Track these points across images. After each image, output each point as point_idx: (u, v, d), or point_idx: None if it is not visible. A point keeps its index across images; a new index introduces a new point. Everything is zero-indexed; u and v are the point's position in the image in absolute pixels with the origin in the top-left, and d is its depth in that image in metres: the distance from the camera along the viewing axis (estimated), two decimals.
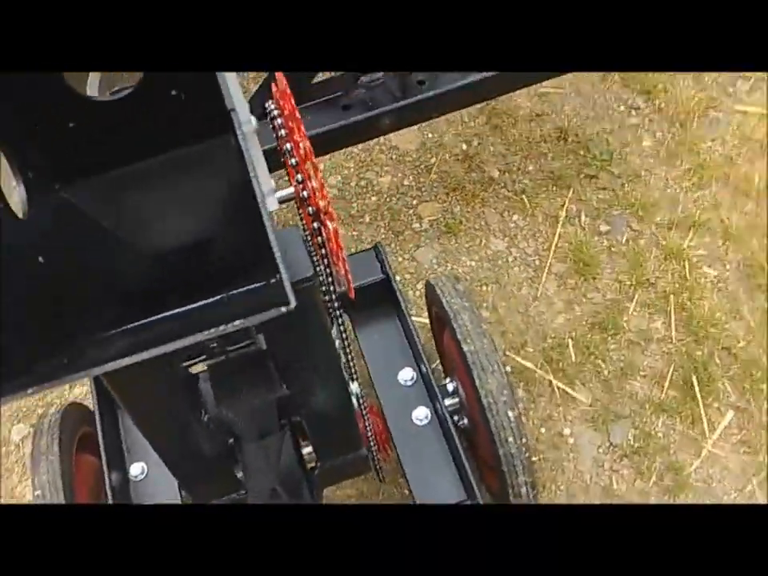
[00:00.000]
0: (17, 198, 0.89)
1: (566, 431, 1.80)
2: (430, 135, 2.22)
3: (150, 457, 1.50)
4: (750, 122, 2.16)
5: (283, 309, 0.72)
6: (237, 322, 0.72)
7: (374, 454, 1.46)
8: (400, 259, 2.03)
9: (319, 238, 1.01)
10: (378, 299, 1.59)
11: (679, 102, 2.21)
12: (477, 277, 2.01)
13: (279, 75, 1.06)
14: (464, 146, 2.20)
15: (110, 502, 1.44)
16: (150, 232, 0.95)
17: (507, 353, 1.89)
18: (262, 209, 0.76)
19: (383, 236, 2.05)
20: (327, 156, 2.14)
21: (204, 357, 1.05)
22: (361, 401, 1.29)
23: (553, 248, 2.02)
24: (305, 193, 0.98)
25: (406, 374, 1.54)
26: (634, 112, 2.22)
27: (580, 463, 1.76)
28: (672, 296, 1.93)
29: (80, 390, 1.91)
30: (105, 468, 1.46)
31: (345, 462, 1.35)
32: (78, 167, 0.91)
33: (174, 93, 0.89)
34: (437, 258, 2.03)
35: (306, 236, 1.03)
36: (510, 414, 1.42)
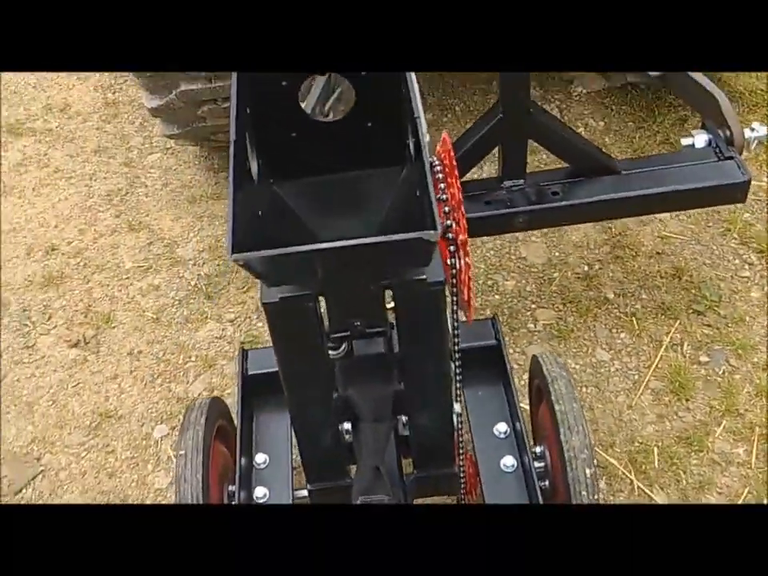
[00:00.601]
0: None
1: None
2: (556, 253, 2.50)
3: (273, 450, 1.77)
4: None
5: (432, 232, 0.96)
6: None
7: (463, 494, 1.68)
8: (511, 351, 2.27)
9: (452, 266, 1.29)
10: (488, 360, 1.83)
11: None
12: (579, 379, 2.22)
13: (446, 137, 1.38)
14: (586, 268, 2.46)
15: (236, 483, 1.70)
16: (331, 227, 1.25)
17: (596, 449, 2.07)
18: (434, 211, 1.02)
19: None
20: None
21: (348, 333, 1.32)
22: (459, 422, 1.53)
23: (653, 367, 2.22)
24: (449, 222, 1.28)
25: (501, 427, 1.76)
26: (747, 266, 2.44)
27: None
28: (757, 427, 2.08)
29: (229, 391, 2.22)
30: (237, 452, 1.73)
31: (437, 476, 1.57)
32: (289, 169, 1.23)
33: (369, 125, 1.21)
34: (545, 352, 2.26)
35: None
36: (588, 471, 1.61)
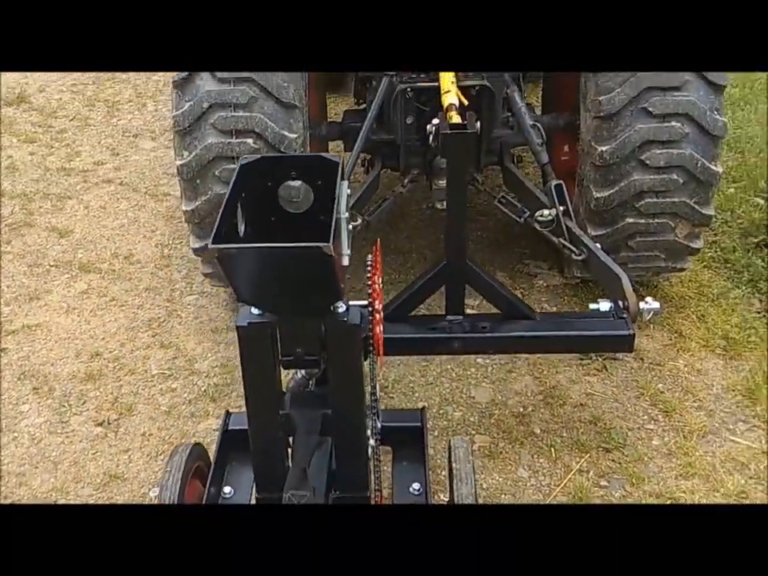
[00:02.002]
0: None
1: None
2: (500, 396, 3.06)
3: (238, 485, 2.27)
4: (738, 448, 2.82)
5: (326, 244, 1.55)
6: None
7: None
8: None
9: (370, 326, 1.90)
10: (413, 438, 2.36)
11: (690, 422, 2.93)
12: (500, 489, 2.70)
13: (377, 243, 2.02)
14: (521, 409, 3.00)
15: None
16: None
17: None
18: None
19: (437, 445, 2.82)
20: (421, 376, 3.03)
21: (292, 358, 1.89)
22: (374, 454, 2.04)
23: (561, 485, 2.70)
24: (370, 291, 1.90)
25: (415, 486, 2.26)
26: (653, 421, 2.95)
27: None
28: None
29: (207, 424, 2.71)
30: (209, 482, 2.24)
31: (353, 499, 2.06)
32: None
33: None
34: (479, 468, 2.75)
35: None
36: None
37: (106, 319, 3.54)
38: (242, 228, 1.78)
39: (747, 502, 2.63)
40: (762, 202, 4.07)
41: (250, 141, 2.89)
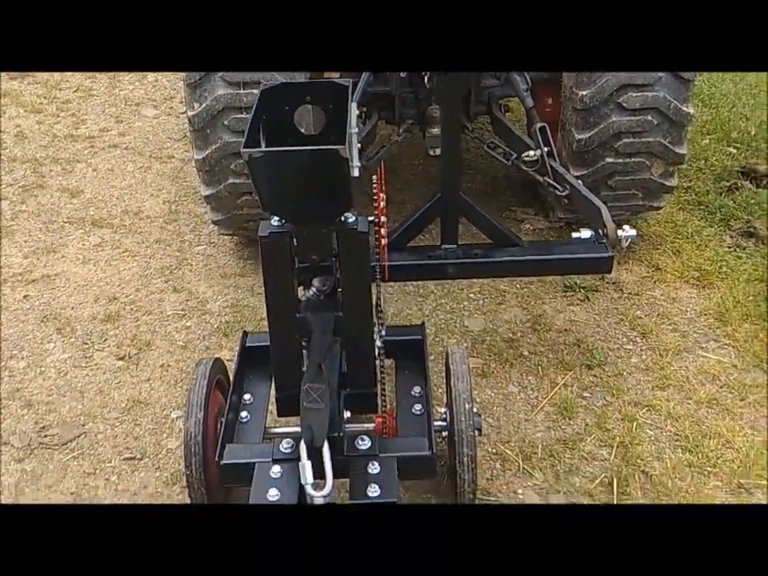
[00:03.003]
0: None
1: (520, 491, 2.62)
2: (491, 325, 3.31)
3: (256, 394, 2.52)
4: (710, 362, 3.09)
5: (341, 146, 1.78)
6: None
7: (384, 428, 2.41)
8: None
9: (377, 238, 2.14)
10: (413, 349, 2.61)
11: (665, 342, 3.19)
12: (493, 402, 2.96)
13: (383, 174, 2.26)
14: (510, 335, 3.26)
15: (228, 411, 2.44)
16: None
17: (497, 444, 2.79)
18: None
19: (434, 368, 3.07)
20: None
21: (308, 265, 2.13)
22: (380, 354, 2.29)
23: (548, 398, 2.96)
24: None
25: (416, 389, 2.52)
26: (631, 343, 3.22)
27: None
28: (618, 438, 2.78)
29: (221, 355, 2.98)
30: (231, 390, 2.49)
31: (361, 394, 2.31)
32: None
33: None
34: (473, 386, 3.00)
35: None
36: (467, 405, 2.34)
37: (121, 268, 3.77)
38: (263, 146, 2.02)
39: (718, 407, 2.90)
40: (733, 150, 4.34)
41: (256, 91, 3.12)
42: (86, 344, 3.33)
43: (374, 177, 2.20)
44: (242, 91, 3.12)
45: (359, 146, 2.05)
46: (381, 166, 2.20)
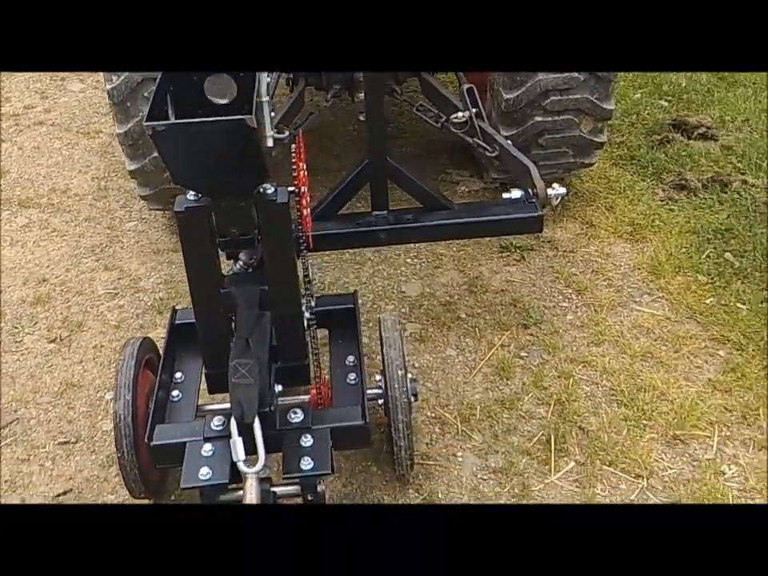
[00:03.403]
0: None
1: (459, 454, 2.63)
2: (428, 289, 3.30)
3: (187, 372, 2.48)
4: (644, 316, 3.12)
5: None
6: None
7: (319, 399, 2.39)
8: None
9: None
10: (346, 318, 2.59)
11: (600, 298, 3.21)
12: (431, 366, 2.95)
13: (301, 133, 2.21)
14: (447, 298, 3.25)
15: (158, 390, 2.39)
16: None
17: (436, 408, 2.79)
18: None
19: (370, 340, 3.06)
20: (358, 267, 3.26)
21: (229, 239, 2.09)
22: (308, 324, 2.27)
23: (486, 359, 2.97)
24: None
25: (350, 359, 2.50)
26: (566, 300, 3.23)
27: (461, 473, 2.57)
28: (555, 395, 2.80)
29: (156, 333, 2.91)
30: (160, 369, 2.44)
31: (292, 367, 2.28)
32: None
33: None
34: (411, 351, 3.00)
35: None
36: (399, 372, 2.33)
37: (50, 249, 3.67)
38: (172, 118, 1.96)
39: (652, 360, 2.93)
40: (665, 104, 4.35)
41: None
42: (16, 328, 3.24)
43: (293, 146, 2.15)
44: None
45: (272, 113, 2.00)
46: (299, 134, 2.15)
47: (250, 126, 1.70)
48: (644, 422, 2.71)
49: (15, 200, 3.99)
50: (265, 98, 1.88)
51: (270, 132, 1.93)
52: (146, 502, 2.49)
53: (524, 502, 2.48)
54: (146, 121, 1.72)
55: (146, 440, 2.21)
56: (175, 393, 2.44)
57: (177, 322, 2.58)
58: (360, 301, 3.21)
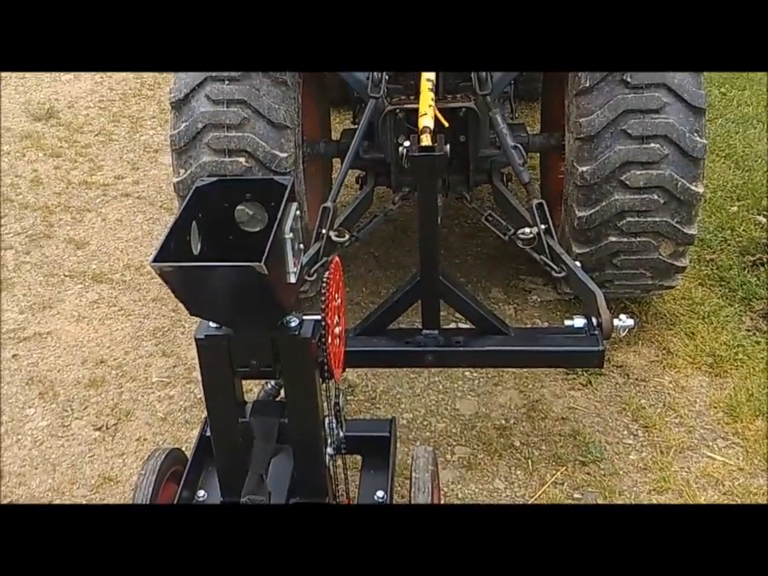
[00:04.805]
0: None
1: None
2: (483, 409, 3.13)
3: (212, 489, 2.38)
4: (714, 464, 2.86)
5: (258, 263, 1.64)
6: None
7: None
8: None
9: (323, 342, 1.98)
10: (381, 447, 2.45)
11: (669, 438, 2.97)
12: (475, 499, 2.77)
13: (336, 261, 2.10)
14: (503, 421, 3.07)
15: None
16: None
17: None
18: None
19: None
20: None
21: (248, 369, 1.99)
22: (331, 461, 2.14)
23: (535, 497, 2.77)
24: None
25: (380, 494, 2.35)
26: (632, 436, 3.00)
27: None
28: None
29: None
30: (181, 486, 2.36)
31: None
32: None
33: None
34: (456, 479, 2.84)
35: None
36: None
37: (113, 328, 3.69)
38: (197, 246, 1.90)
39: None
40: (763, 220, 4.09)
41: (242, 160, 3.02)
42: (66, 411, 3.24)
43: (327, 274, 2.04)
44: (226, 159, 3.02)
45: (301, 246, 1.91)
46: (334, 261, 2.05)
47: (259, 272, 1.61)
48: None
49: (90, 273, 4.05)
50: (288, 235, 1.79)
51: (292, 269, 1.84)
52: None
53: None
54: (152, 261, 1.65)
55: None
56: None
57: (208, 433, 2.49)
58: (411, 415, 3.10)
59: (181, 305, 3.66)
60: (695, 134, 2.93)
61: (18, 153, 5.18)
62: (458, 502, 2.76)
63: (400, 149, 2.54)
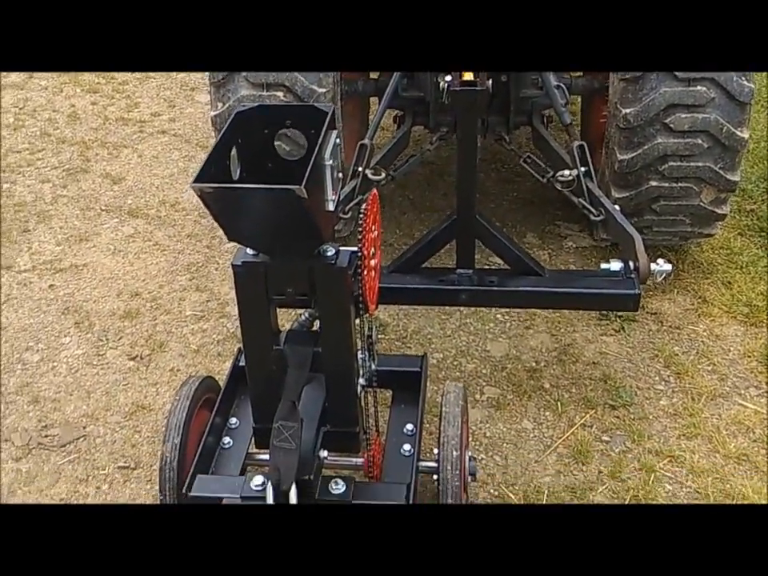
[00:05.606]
0: None
1: None
2: (514, 351, 3.13)
3: (244, 417, 2.41)
4: (746, 412, 2.84)
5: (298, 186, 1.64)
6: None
7: (370, 467, 2.27)
8: None
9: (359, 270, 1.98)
10: (411, 382, 2.46)
11: (701, 385, 2.95)
12: (503, 438, 2.79)
13: (375, 193, 2.09)
14: (534, 364, 3.07)
15: (208, 436, 2.34)
16: None
17: (501, 486, 2.62)
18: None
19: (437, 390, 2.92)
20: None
21: (284, 297, 2.00)
22: (363, 391, 2.15)
23: (563, 438, 2.77)
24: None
25: (409, 427, 2.37)
26: (663, 382, 2.98)
27: None
28: (632, 491, 2.58)
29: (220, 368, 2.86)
30: (214, 413, 2.39)
31: (343, 433, 2.17)
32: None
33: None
34: (485, 418, 2.85)
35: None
36: (454, 453, 2.18)
37: (148, 262, 3.72)
38: (237, 172, 1.90)
39: (747, 464, 2.66)
40: None
41: (280, 94, 3.00)
42: (101, 341, 3.29)
43: (364, 206, 2.04)
44: (264, 93, 3.00)
45: (340, 175, 1.90)
46: (372, 194, 2.04)
47: (299, 196, 1.61)
48: None
49: (126, 208, 4.08)
50: (329, 162, 1.78)
51: (331, 197, 1.83)
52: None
53: None
54: (193, 182, 1.65)
55: (183, 490, 2.16)
56: (227, 440, 2.38)
57: (242, 362, 2.52)
58: (441, 355, 3.11)
59: (215, 241, 3.71)
60: (742, 78, 2.86)
61: (56, 88, 5.19)
62: (486, 441, 2.77)
63: (441, 84, 2.50)
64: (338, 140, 1.85)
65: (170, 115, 4.91)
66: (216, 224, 1.86)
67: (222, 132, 1.83)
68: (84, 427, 2.92)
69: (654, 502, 2.55)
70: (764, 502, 2.53)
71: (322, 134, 1.78)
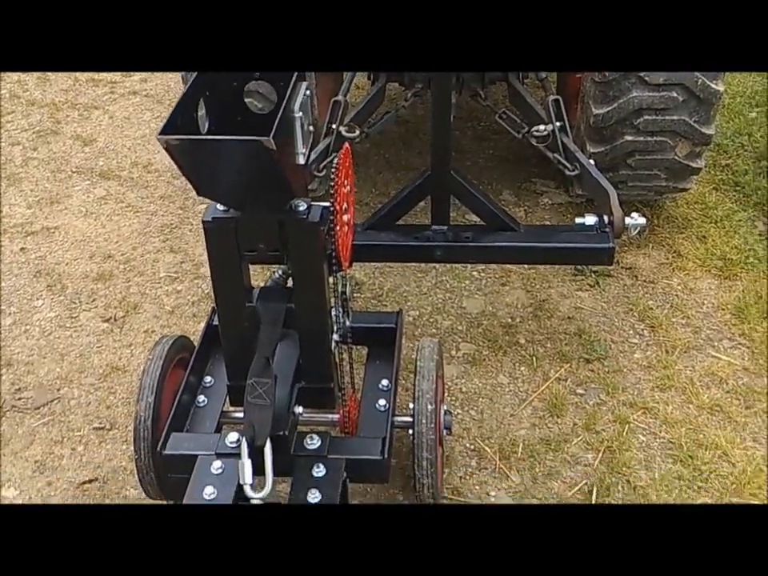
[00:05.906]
0: None
1: (492, 493, 2.48)
2: (490, 308, 3.13)
3: (219, 375, 2.40)
4: (719, 363, 2.86)
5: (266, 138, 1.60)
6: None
7: (345, 422, 2.27)
8: None
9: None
10: (386, 338, 2.46)
11: (674, 338, 2.97)
12: (479, 392, 2.80)
13: (347, 147, 2.06)
14: (509, 320, 3.07)
15: (182, 394, 2.33)
16: None
17: (477, 439, 2.63)
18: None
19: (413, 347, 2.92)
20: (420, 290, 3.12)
21: (256, 253, 1.98)
22: (336, 347, 2.14)
23: (538, 392, 2.78)
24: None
25: (384, 383, 2.37)
26: (638, 336, 3.00)
27: None
28: (606, 441, 2.60)
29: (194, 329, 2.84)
30: (188, 371, 2.38)
31: (317, 389, 2.17)
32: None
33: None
34: (461, 373, 2.85)
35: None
36: (429, 406, 2.19)
37: (121, 224, 3.68)
38: (205, 126, 1.86)
39: (720, 414, 2.69)
40: None
41: None
42: (74, 303, 3.26)
43: (336, 160, 2.01)
44: None
45: (311, 128, 1.87)
46: (345, 147, 2.02)
47: (267, 147, 1.58)
48: (699, 483, 2.48)
49: (97, 170, 4.02)
50: (298, 114, 1.75)
51: (301, 150, 1.80)
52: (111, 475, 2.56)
53: None
54: (160, 133, 1.62)
55: (158, 448, 2.16)
56: (201, 398, 2.37)
57: (215, 322, 2.50)
58: (417, 313, 3.10)
59: (188, 202, 3.67)
60: None
61: None
62: (462, 396, 2.78)
63: None
64: (308, 92, 1.82)
65: (141, 75, 4.83)
66: (189, 185, 1.83)
67: (188, 84, 1.79)
68: (58, 389, 2.90)
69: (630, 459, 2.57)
70: (738, 451, 2.56)
71: (291, 84, 1.75)
